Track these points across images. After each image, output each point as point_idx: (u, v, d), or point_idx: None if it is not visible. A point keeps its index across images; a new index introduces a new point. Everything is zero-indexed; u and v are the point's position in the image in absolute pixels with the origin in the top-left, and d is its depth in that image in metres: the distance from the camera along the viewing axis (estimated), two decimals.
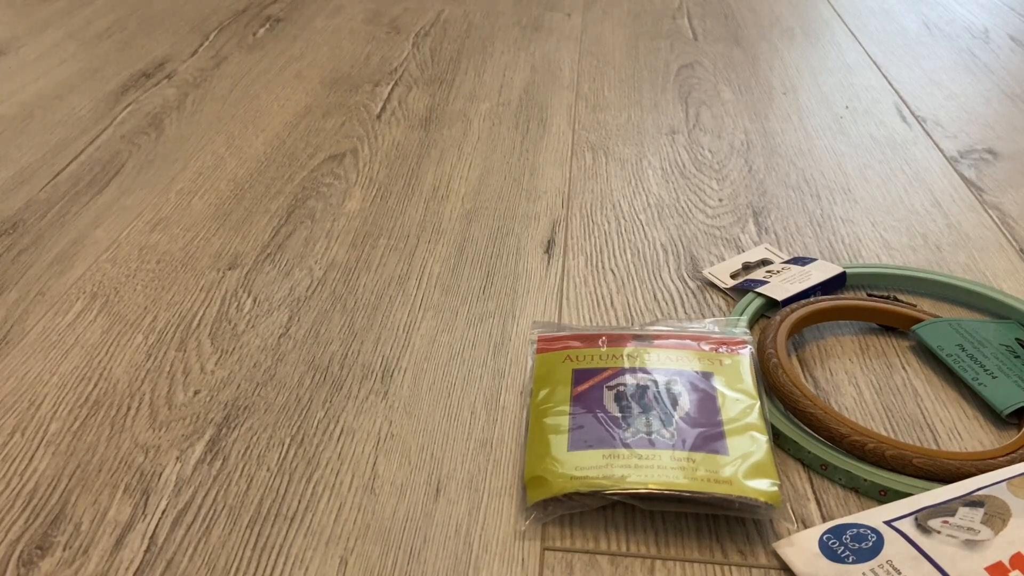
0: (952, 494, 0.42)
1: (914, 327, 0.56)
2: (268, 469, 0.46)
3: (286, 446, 0.48)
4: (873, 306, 0.57)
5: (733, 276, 0.62)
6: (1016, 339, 0.55)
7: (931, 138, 0.85)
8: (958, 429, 0.50)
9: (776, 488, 0.42)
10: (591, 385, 0.49)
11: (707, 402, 0.47)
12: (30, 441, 0.48)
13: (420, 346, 0.55)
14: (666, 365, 0.50)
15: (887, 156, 0.81)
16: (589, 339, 0.52)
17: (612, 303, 0.60)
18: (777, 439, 0.48)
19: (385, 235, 0.67)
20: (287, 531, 0.43)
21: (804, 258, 0.63)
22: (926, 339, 0.55)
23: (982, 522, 0.39)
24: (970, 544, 0.38)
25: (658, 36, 1.11)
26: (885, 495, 0.45)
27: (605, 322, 0.58)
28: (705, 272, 0.63)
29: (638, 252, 0.65)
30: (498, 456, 0.47)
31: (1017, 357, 0.53)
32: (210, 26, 1.11)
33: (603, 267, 0.63)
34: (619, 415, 0.46)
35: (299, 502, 0.44)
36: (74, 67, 0.98)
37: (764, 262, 0.64)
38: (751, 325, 0.57)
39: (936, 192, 0.75)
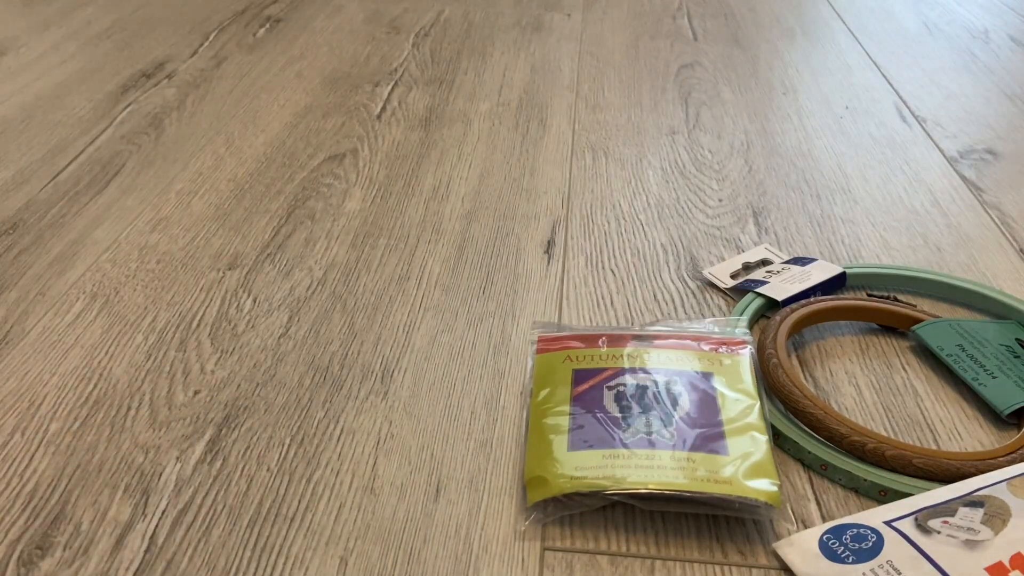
0: (952, 494, 0.42)
1: (914, 327, 0.56)
2: (268, 469, 0.46)
3: (286, 446, 0.48)
4: (873, 306, 0.57)
5: (733, 276, 0.62)
6: (1016, 339, 0.55)
7: (931, 138, 0.85)
8: (958, 429, 0.50)
9: (776, 488, 0.42)
10: (591, 385, 0.49)
11: (707, 402, 0.47)
12: (30, 441, 0.48)
13: (420, 346, 0.55)
14: (666, 365, 0.50)
15: (887, 156, 0.81)
16: (589, 339, 0.52)
17: (612, 303, 0.60)
18: (777, 439, 0.48)
19: (385, 235, 0.67)
20: (287, 531, 0.43)
21: (804, 258, 0.63)
22: (926, 339, 0.55)
23: (982, 522, 0.39)
24: (970, 544, 0.38)
25: (658, 36, 1.11)
26: (885, 495, 0.45)
27: (605, 322, 0.58)
28: (705, 272, 0.63)
29: (638, 252, 0.65)
30: (498, 456, 0.47)
31: (1017, 357, 0.53)
32: (210, 26, 1.11)
33: (603, 267, 0.64)
34: (619, 415, 0.46)
35: (299, 502, 0.44)
36: (74, 67, 0.98)
37: (764, 262, 0.64)
38: (751, 325, 0.57)
39: (936, 192, 0.75)
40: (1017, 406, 0.49)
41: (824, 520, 0.44)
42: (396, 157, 0.79)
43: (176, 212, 0.70)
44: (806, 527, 0.43)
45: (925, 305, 0.60)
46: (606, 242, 0.67)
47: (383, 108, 0.89)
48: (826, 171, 0.78)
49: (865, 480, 0.45)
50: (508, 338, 0.56)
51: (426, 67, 0.99)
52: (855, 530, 0.41)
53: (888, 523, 0.41)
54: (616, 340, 0.52)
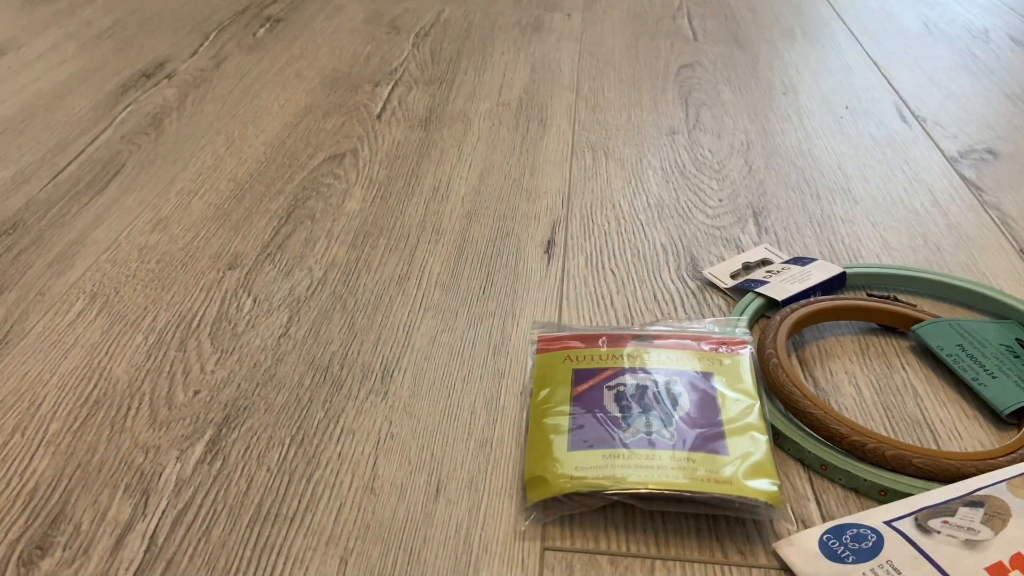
0: (952, 494, 0.42)
1: (914, 327, 0.56)
2: (268, 469, 0.46)
3: (286, 446, 0.48)
4: (873, 306, 0.57)
5: (733, 276, 0.62)
6: (1016, 339, 0.55)
7: (931, 138, 0.85)
8: (958, 429, 0.50)
9: (776, 488, 0.42)
10: (591, 385, 0.49)
11: (707, 402, 0.47)
12: (30, 441, 0.48)
13: (420, 346, 0.55)
14: (666, 365, 0.50)
15: (887, 156, 0.81)
16: (589, 339, 0.52)
17: (612, 303, 0.60)
18: (777, 439, 0.48)
19: (385, 235, 0.67)
20: (287, 531, 0.43)
21: (804, 258, 0.63)
22: (926, 339, 0.55)
23: (982, 522, 0.39)
24: (970, 544, 0.38)
25: (658, 36, 1.11)
26: (885, 495, 0.45)
27: (605, 322, 0.58)
28: (705, 272, 0.63)
29: (638, 252, 0.65)
30: (498, 456, 0.47)
31: (1017, 357, 0.53)
32: (210, 26, 1.11)
33: (603, 267, 0.64)
34: (619, 415, 0.46)
35: (299, 502, 0.44)
36: (74, 67, 0.98)
37: (764, 262, 0.64)
38: (751, 325, 0.57)
39: (936, 192, 0.75)
40: (1017, 406, 0.49)
41: (824, 520, 0.44)
42: (396, 157, 0.79)
43: (176, 212, 0.70)
44: (806, 527, 0.43)
45: (925, 305, 0.60)
46: (606, 242, 0.67)
47: (383, 108, 0.89)
48: (826, 171, 0.78)
49: (865, 480, 0.45)
50: (508, 338, 0.56)
51: (426, 67, 0.99)
52: (855, 530, 0.41)
53: (888, 523, 0.41)
54: (616, 340, 0.52)
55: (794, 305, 0.56)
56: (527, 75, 0.97)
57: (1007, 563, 0.37)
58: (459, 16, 1.16)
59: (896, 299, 0.58)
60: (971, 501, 0.41)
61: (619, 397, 0.47)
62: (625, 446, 0.44)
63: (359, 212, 0.70)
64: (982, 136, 0.86)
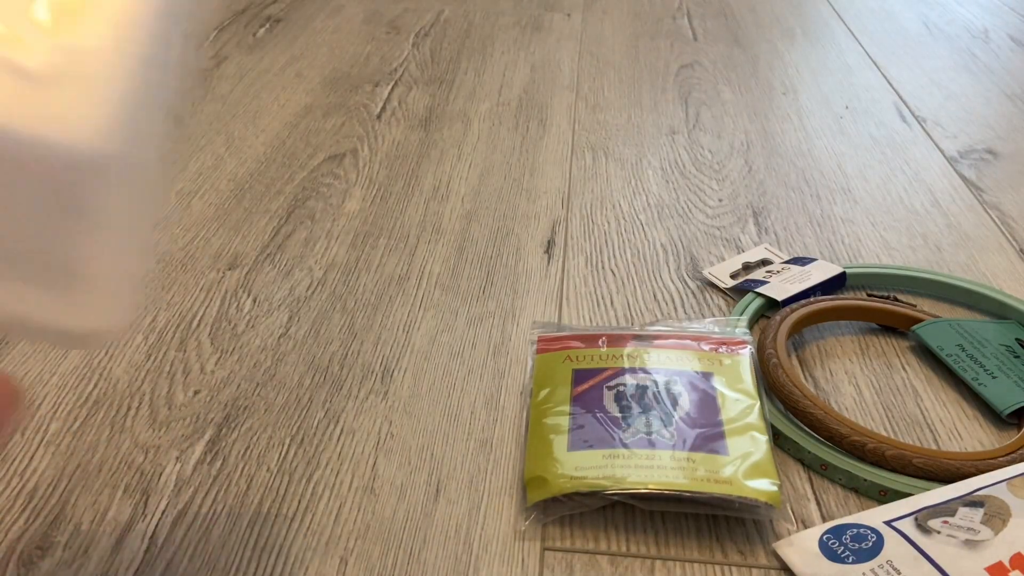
0: (952, 494, 0.42)
1: (914, 327, 0.56)
2: (268, 469, 0.46)
3: (286, 446, 0.48)
4: (873, 306, 0.57)
5: (733, 276, 0.62)
6: (1016, 339, 0.55)
7: (931, 138, 0.85)
8: (958, 429, 0.50)
9: (776, 488, 0.42)
10: (591, 385, 0.49)
11: (707, 402, 0.47)
12: (30, 441, 0.48)
13: (420, 346, 0.55)
14: (666, 365, 0.50)
15: (887, 156, 0.81)
16: (589, 339, 0.52)
17: (612, 303, 0.60)
18: (777, 439, 0.48)
19: (385, 235, 0.67)
20: (287, 531, 0.43)
21: (804, 258, 0.63)
22: (926, 339, 0.55)
23: (982, 522, 0.39)
24: (970, 544, 0.38)
25: (658, 36, 1.11)
26: (885, 495, 0.45)
27: (605, 322, 0.58)
28: (705, 272, 0.63)
29: (638, 252, 0.65)
30: (498, 456, 0.47)
31: (1017, 357, 0.53)
32: (210, 26, 1.11)
33: (603, 267, 0.64)
34: (619, 415, 0.46)
35: (299, 502, 0.44)
36: None
37: (764, 262, 0.64)
38: (751, 325, 0.57)
39: (936, 192, 0.75)
40: (1017, 406, 0.49)
41: (824, 520, 0.44)
42: (396, 157, 0.79)
43: (176, 212, 0.70)
44: (806, 527, 0.43)
45: (925, 305, 0.60)
46: (606, 242, 0.67)
47: (383, 108, 0.89)
48: (826, 171, 0.78)
49: (865, 480, 0.45)
50: (508, 338, 0.56)
51: (426, 67, 0.99)
52: (855, 530, 0.41)
53: (888, 523, 0.41)
54: (616, 340, 0.52)
55: (794, 305, 0.56)
56: (527, 75, 0.97)
57: (1007, 563, 0.37)
58: (459, 16, 1.16)
59: (896, 299, 0.59)
60: (971, 501, 0.41)
61: (619, 397, 0.47)
62: (625, 446, 0.44)
63: (359, 212, 0.70)
64: (982, 136, 0.86)
